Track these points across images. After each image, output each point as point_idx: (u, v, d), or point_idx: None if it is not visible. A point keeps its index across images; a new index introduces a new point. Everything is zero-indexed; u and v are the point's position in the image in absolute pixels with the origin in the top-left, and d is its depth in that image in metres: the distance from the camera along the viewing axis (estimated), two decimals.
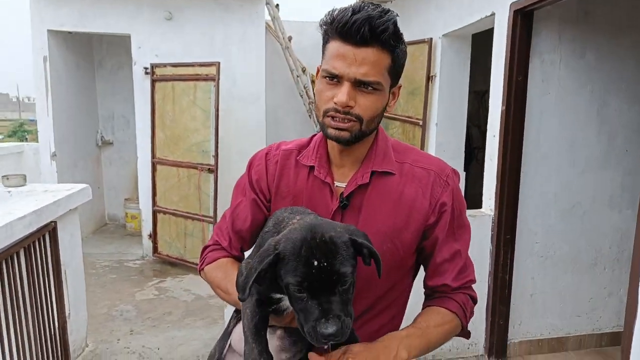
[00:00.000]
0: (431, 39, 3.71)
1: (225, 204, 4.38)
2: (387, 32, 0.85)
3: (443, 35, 3.60)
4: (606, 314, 3.01)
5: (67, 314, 2.53)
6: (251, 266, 0.77)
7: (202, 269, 1.06)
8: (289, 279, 0.74)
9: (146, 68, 4.37)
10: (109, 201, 5.83)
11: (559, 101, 2.78)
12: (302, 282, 0.73)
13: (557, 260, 2.89)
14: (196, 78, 4.08)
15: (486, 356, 2.87)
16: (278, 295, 0.84)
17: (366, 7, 0.85)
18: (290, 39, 5.00)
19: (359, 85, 0.87)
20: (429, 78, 3.79)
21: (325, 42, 0.91)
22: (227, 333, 1.01)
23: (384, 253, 0.91)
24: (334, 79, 0.88)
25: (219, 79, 3.95)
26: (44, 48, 4.41)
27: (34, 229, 2.13)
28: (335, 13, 0.87)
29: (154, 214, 4.46)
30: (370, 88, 0.88)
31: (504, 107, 2.72)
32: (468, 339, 1.09)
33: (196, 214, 4.23)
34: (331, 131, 0.91)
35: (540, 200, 2.82)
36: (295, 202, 0.99)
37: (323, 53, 0.92)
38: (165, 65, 4.24)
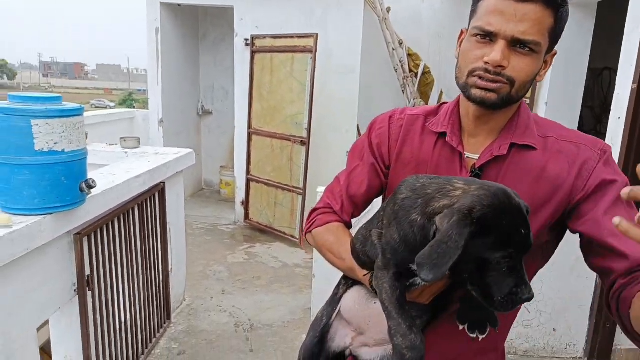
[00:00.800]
0: None
1: (315, 176, 4.42)
2: None
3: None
4: None
5: (170, 269, 2.75)
6: (447, 243, 0.67)
7: (310, 231, 1.03)
8: (499, 250, 0.69)
9: (247, 39, 4.49)
10: (206, 168, 6.20)
11: None
12: (512, 253, 0.69)
13: None
14: (294, 50, 4.11)
15: (585, 359, 2.63)
16: (414, 266, 0.76)
17: None
18: (388, 10, 4.82)
19: (515, 44, 0.79)
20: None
21: (477, 0, 0.84)
22: (336, 299, 0.99)
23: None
24: (487, 37, 0.80)
25: (316, 50, 3.94)
26: (157, 20, 4.71)
27: (147, 187, 2.31)
28: None
29: (247, 182, 4.66)
30: (527, 49, 0.79)
31: (635, 85, 2.38)
32: None
33: (287, 185, 4.34)
34: (476, 92, 0.83)
35: None
36: (418, 169, 0.92)
37: (474, 12, 0.84)
38: (264, 36, 4.32)
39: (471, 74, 0.83)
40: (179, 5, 4.95)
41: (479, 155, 0.89)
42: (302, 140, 4.15)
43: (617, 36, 2.54)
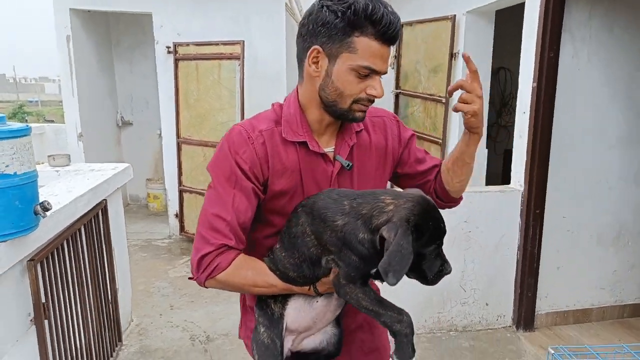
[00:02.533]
0: (454, 15, 3.71)
1: None
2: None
3: (467, 11, 3.61)
4: (629, 286, 3.12)
5: (117, 288, 2.65)
6: (401, 252, 0.82)
7: (214, 277, 0.98)
8: (430, 244, 0.90)
9: (168, 47, 4.39)
10: (130, 182, 5.88)
11: (588, 77, 2.83)
12: (439, 244, 0.91)
13: (583, 234, 2.99)
14: (220, 57, 4.10)
15: (514, 327, 3.00)
16: (374, 270, 0.93)
17: (387, 7, 0.94)
18: None
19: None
20: (452, 55, 3.81)
21: (349, 34, 0.93)
22: (276, 319, 1.04)
23: None
24: (371, 74, 0.97)
25: (243, 57, 3.98)
26: (67, 27, 4.41)
27: (91, 206, 2.22)
28: (370, 9, 0.91)
29: (180, 194, 4.55)
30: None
31: (535, 84, 2.76)
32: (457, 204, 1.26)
33: None
34: (360, 114, 1.02)
35: (568, 175, 2.89)
36: (292, 176, 1.03)
37: (345, 45, 0.94)
38: (188, 44, 4.25)
39: (356, 102, 0.99)
40: (88, 11, 4.68)
41: (333, 148, 1.07)
42: None
43: (510, 39, 2.92)
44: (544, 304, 3.00)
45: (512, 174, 3.00)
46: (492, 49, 3.80)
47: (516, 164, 2.96)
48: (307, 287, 1.00)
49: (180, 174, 4.51)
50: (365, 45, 0.93)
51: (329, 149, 1.06)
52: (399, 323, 0.91)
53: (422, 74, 4.39)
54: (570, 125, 2.84)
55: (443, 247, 0.95)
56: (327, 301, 1.04)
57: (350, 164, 1.05)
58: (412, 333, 0.92)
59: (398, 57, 4.71)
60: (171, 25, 4.45)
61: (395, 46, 4.80)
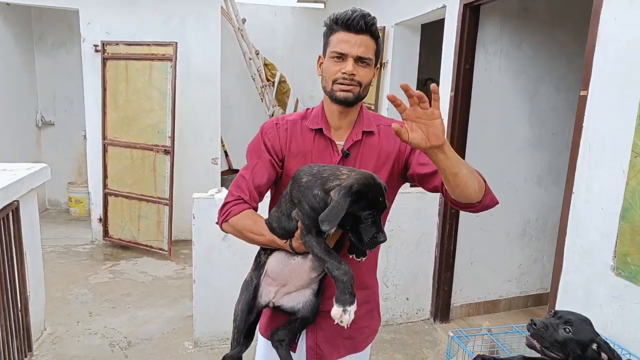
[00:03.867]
0: (384, 27, 3.90)
1: (181, 185, 4.40)
2: (374, 26, 1.23)
3: (395, 24, 3.81)
4: (532, 278, 3.42)
5: (28, 295, 2.50)
6: (337, 207, 1.01)
7: (227, 220, 1.24)
8: (366, 210, 1.05)
9: (96, 45, 4.23)
10: (49, 185, 5.53)
11: (498, 88, 3.09)
12: (374, 212, 1.06)
13: (493, 231, 3.24)
14: (152, 58, 4.02)
15: (432, 319, 3.18)
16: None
17: (356, 11, 1.21)
18: (244, 21, 5.01)
19: (357, 61, 1.21)
20: (382, 65, 4.00)
21: (328, 35, 1.25)
22: (261, 264, 1.24)
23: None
24: (340, 57, 1.22)
25: (176, 59, 3.92)
26: None
27: (0, 207, 2.09)
28: (337, 15, 1.23)
29: (105, 197, 4.36)
30: (365, 63, 1.22)
31: (453, 93, 2.98)
32: (493, 205, 1.24)
33: (151, 197, 4.20)
34: (340, 94, 1.23)
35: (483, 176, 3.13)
36: (304, 158, 1.27)
37: (327, 44, 1.25)
38: (117, 43, 4.12)
39: (334, 82, 1.23)
40: (7, 4, 4.40)
41: (344, 142, 1.30)
42: (165, 150, 4.07)
43: (438, 52, 3.14)
44: (459, 297, 3.21)
45: None
46: (417, 59, 4.03)
47: None
48: (285, 241, 1.18)
49: (105, 176, 4.33)
50: (335, 38, 1.23)
51: (340, 142, 1.29)
52: (338, 270, 1.07)
53: None
54: (483, 131, 3.08)
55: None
56: (302, 261, 1.20)
57: (348, 153, 1.27)
58: (350, 281, 1.06)
59: None
60: (100, 23, 4.29)
61: None
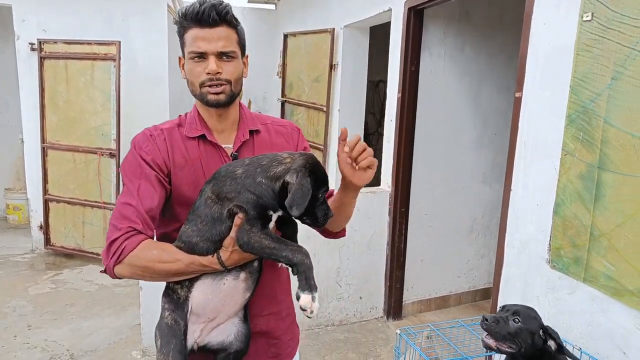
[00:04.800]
0: (333, 29, 3.93)
1: None
2: (229, 14, 1.10)
3: (344, 26, 3.85)
4: (479, 273, 3.55)
5: None
6: (302, 189, 0.98)
7: (121, 261, 1.01)
8: (322, 189, 1.03)
9: (32, 44, 4.00)
10: None
11: (443, 90, 3.19)
12: (325, 190, 1.04)
13: (442, 228, 3.33)
14: (94, 57, 3.85)
15: (385, 317, 3.23)
16: (270, 212, 1.04)
17: (205, 2, 1.07)
18: None
19: (220, 57, 1.10)
20: (332, 66, 4.02)
21: (182, 34, 1.12)
22: (181, 302, 1.05)
23: None
24: (201, 57, 1.09)
25: (120, 58, 3.78)
26: None
27: None
28: (185, 9, 1.09)
29: (46, 203, 4.14)
30: (229, 57, 1.11)
31: (400, 95, 3.04)
32: (340, 236, 1.36)
33: (96, 202, 4.02)
34: (211, 97, 1.12)
35: (428, 176, 3.22)
36: (193, 168, 1.12)
37: (183, 44, 1.13)
38: (55, 41, 3.92)
39: (201, 86, 1.11)
40: None
41: (232, 144, 1.18)
42: (110, 152, 3.91)
43: (386, 54, 3.19)
44: (411, 294, 3.28)
45: (382, 176, 3.25)
46: (367, 61, 4.09)
47: (385, 167, 3.22)
48: (211, 255, 1.02)
49: (45, 182, 4.10)
50: (189, 36, 1.10)
51: (227, 145, 1.17)
52: (300, 254, 0.99)
53: (305, 83, 4.56)
54: (430, 131, 3.17)
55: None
56: (235, 282, 1.05)
57: (236, 154, 1.16)
58: (312, 267, 0.99)
59: (283, 66, 4.83)
60: (35, 20, 4.07)
61: (280, 55, 4.93)
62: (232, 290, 1.05)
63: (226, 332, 1.09)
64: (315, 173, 1.02)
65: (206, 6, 1.06)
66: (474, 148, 3.36)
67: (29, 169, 4.24)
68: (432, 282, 3.36)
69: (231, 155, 1.16)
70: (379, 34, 4.08)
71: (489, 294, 3.53)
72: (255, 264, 1.09)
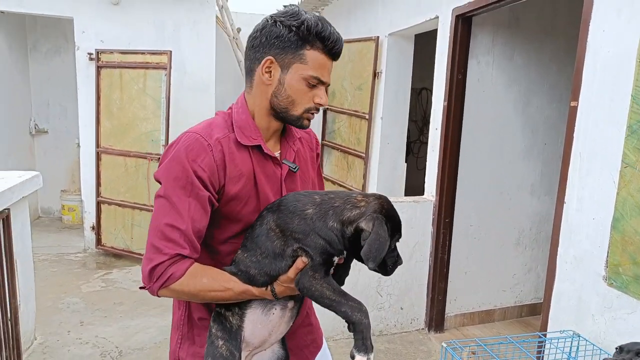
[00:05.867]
0: (378, 37, 3.93)
1: None
2: None
3: (389, 34, 3.84)
4: (526, 287, 3.42)
5: (18, 305, 2.47)
6: (380, 240, 0.94)
7: (167, 286, 0.97)
8: (396, 236, 1.00)
9: (90, 54, 4.23)
10: (43, 193, 5.49)
11: (491, 98, 3.11)
12: (399, 237, 1.01)
13: (487, 240, 3.24)
14: (146, 66, 4.02)
15: (426, 329, 3.16)
16: (336, 258, 1.01)
17: (332, 26, 1.06)
18: (239, 30, 5.04)
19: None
20: (375, 74, 4.02)
21: (301, 48, 1.03)
22: (234, 331, 1.04)
23: None
24: (318, 84, 1.06)
25: (170, 67, 3.93)
26: None
27: None
28: (319, 29, 1.02)
29: (98, 205, 4.34)
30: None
31: (446, 103, 3.00)
32: None
33: (144, 205, 4.18)
34: (306, 123, 1.11)
35: (474, 187, 3.14)
36: (247, 181, 1.06)
37: (298, 57, 1.03)
38: (112, 51, 4.13)
39: (307, 111, 1.08)
40: (1, 12, 4.40)
41: (278, 153, 1.15)
42: (159, 158, 4.06)
43: (432, 62, 3.16)
44: (453, 307, 3.20)
45: (425, 185, 3.21)
46: (411, 69, 4.06)
47: (429, 177, 3.17)
48: (265, 288, 1.00)
49: (98, 184, 4.31)
50: (314, 58, 1.04)
51: (276, 154, 1.13)
52: (360, 312, 0.94)
53: (348, 91, 4.57)
54: (476, 140, 3.10)
55: None
56: (282, 312, 1.06)
57: (297, 167, 1.14)
58: (370, 326, 0.95)
59: None
60: (94, 31, 4.30)
61: None
62: (279, 320, 1.07)
63: (267, 357, 1.12)
64: (391, 219, 0.97)
65: (341, 44, 1.06)
66: (522, 158, 3.26)
67: (84, 172, 4.47)
68: (476, 295, 3.27)
69: (294, 169, 1.13)
70: (421, 41, 4.04)
71: (536, 309, 3.39)
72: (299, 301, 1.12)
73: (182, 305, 1.14)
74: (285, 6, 1.06)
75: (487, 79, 3.09)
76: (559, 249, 2.05)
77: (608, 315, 1.79)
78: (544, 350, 1.92)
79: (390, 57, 3.93)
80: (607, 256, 1.80)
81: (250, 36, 1.09)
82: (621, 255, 1.74)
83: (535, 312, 3.38)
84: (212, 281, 0.99)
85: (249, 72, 1.09)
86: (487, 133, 3.14)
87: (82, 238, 4.60)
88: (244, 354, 1.06)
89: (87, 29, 4.28)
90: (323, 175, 1.41)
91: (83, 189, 4.52)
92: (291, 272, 0.97)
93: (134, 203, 4.22)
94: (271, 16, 1.05)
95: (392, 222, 0.97)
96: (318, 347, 1.30)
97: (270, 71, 1.04)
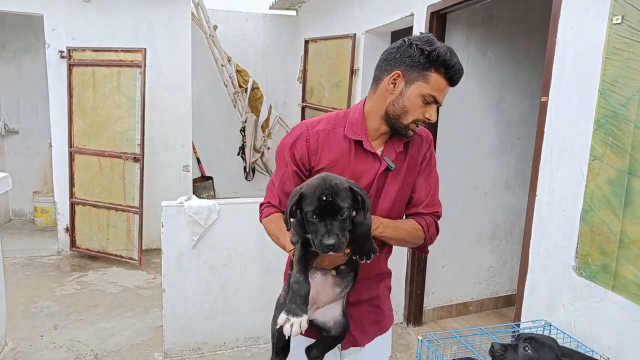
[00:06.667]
0: (355, 34, 3.95)
1: (152, 193, 4.32)
2: None
3: (366, 31, 3.85)
4: (502, 279, 3.49)
5: None
6: (286, 205, 1.14)
7: (261, 220, 1.38)
8: (307, 208, 1.09)
9: (62, 51, 4.12)
10: (13, 195, 5.36)
11: (466, 95, 3.16)
12: (314, 210, 1.08)
13: (464, 235, 3.29)
14: (120, 64, 3.94)
15: (405, 323, 3.20)
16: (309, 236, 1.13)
17: (457, 57, 1.23)
18: (215, 27, 4.98)
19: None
20: (353, 71, 4.04)
21: (427, 69, 1.22)
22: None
23: (404, 196, 1.37)
24: (432, 102, 1.25)
25: (145, 65, 3.86)
26: None
27: None
28: (446, 59, 1.20)
29: (72, 206, 4.24)
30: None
31: None
32: (425, 254, 1.61)
33: (120, 205, 4.10)
34: (411, 132, 1.29)
35: (450, 182, 3.18)
36: (334, 166, 1.28)
37: (422, 76, 1.23)
38: (84, 49, 4.03)
39: (415, 122, 1.26)
40: None
41: (380, 150, 1.33)
42: (135, 157, 3.99)
43: None
44: (431, 300, 3.24)
45: None
46: None
47: None
48: (290, 250, 1.20)
49: (72, 185, 4.21)
50: (436, 80, 1.22)
51: (377, 151, 1.32)
52: (293, 277, 1.15)
53: (326, 88, 4.58)
54: (452, 136, 3.14)
55: None
56: (324, 277, 1.24)
57: (394, 166, 1.30)
58: (300, 292, 1.13)
59: (304, 71, 4.87)
60: (65, 28, 4.20)
61: (301, 61, 4.97)
62: (322, 283, 1.25)
63: (327, 316, 1.29)
64: (306, 193, 1.11)
65: (461, 74, 1.25)
66: (496, 154, 3.32)
67: (57, 173, 4.36)
68: (453, 288, 3.32)
69: (391, 168, 1.30)
70: (398, 38, 4.08)
71: (511, 301, 3.46)
72: (350, 274, 1.27)
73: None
74: (421, 33, 1.27)
75: (462, 76, 3.13)
76: (531, 241, 2.10)
77: (578, 304, 1.84)
78: None
79: (367, 55, 3.95)
80: (577, 247, 1.85)
81: (386, 50, 1.30)
82: (590, 246, 1.79)
83: (511, 304, 3.45)
84: (275, 229, 1.30)
85: (376, 80, 1.30)
86: (462, 129, 3.18)
87: (56, 240, 4.49)
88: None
89: (58, 26, 4.17)
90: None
91: (56, 190, 4.41)
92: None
93: (109, 203, 4.14)
94: (408, 38, 1.25)
95: (307, 197, 1.09)
96: (381, 329, 1.47)
97: (395, 82, 1.24)
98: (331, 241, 1.06)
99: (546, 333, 1.87)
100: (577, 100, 1.86)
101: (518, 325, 1.97)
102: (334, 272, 1.25)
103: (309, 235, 1.12)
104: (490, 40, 3.17)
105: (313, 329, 1.29)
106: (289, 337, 1.26)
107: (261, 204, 1.39)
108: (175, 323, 2.71)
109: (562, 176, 1.94)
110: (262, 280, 2.82)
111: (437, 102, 1.25)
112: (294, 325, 1.07)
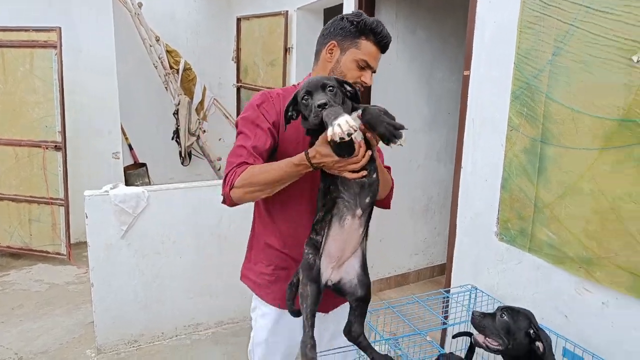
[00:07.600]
0: (287, 11, 3.87)
1: (80, 183, 4.06)
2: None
3: (298, 8, 3.79)
4: (436, 249, 3.64)
5: None
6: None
7: (233, 185, 1.27)
8: (300, 95, 1.20)
9: None
10: None
11: (397, 71, 3.20)
12: (306, 92, 1.19)
13: (399, 208, 3.38)
14: (32, 45, 3.62)
15: None
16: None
17: (384, 26, 1.36)
18: (140, 5, 4.69)
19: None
20: (287, 50, 3.97)
21: (357, 37, 1.35)
22: (317, 245, 1.28)
23: None
24: (365, 67, 1.37)
25: (61, 45, 3.57)
26: None
27: None
28: (373, 26, 1.34)
29: None
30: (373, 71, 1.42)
31: None
32: (388, 208, 1.67)
33: (42, 197, 3.82)
34: None
35: (385, 156, 3.23)
36: (298, 130, 1.30)
37: (353, 44, 1.35)
38: None
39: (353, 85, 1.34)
40: None
41: None
42: (56, 145, 3.71)
43: None
44: (371, 273, 3.24)
45: None
46: None
47: None
48: (302, 155, 1.20)
49: None
50: (367, 46, 1.36)
51: None
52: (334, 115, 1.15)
53: (260, 67, 4.48)
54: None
55: None
56: (352, 220, 1.25)
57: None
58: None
59: (238, 51, 4.73)
60: None
61: (234, 40, 4.82)
62: (351, 229, 1.25)
63: (350, 273, 1.32)
64: (300, 90, 1.21)
65: (389, 39, 1.38)
66: (427, 128, 3.41)
67: None
68: (391, 260, 3.42)
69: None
70: (331, 16, 4.05)
71: (445, 269, 3.63)
72: (367, 200, 1.26)
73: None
74: (352, 11, 1.41)
75: (392, 53, 3.17)
76: (458, 211, 2.19)
77: (500, 267, 1.95)
78: (449, 305, 2.05)
79: (300, 32, 3.89)
80: (498, 214, 1.94)
81: (322, 28, 1.43)
82: (509, 212, 1.89)
83: (445, 272, 3.62)
84: (260, 167, 1.27)
85: (317, 54, 1.43)
86: (394, 104, 3.23)
87: None
88: (329, 266, 1.28)
89: None
90: None
91: None
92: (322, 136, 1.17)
93: (30, 196, 3.84)
94: (341, 15, 1.39)
95: (302, 90, 1.19)
96: (343, 299, 1.43)
97: (332, 52, 1.37)
98: (322, 100, 1.13)
99: (472, 297, 1.96)
100: (496, 73, 1.93)
101: (448, 292, 2.05)
102: (364, 178, 1.23)
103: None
104: (419, 17, 3.22)
105: (340, 293, 1.33)
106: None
107: (226, 174, 1.30)
108: (106, 316, 2.59)
109: (483, 146, 2.02)
110: (199, 266, 2.75)
111: (370, 67, 1.37)
112: (341, 124, 1.04)
